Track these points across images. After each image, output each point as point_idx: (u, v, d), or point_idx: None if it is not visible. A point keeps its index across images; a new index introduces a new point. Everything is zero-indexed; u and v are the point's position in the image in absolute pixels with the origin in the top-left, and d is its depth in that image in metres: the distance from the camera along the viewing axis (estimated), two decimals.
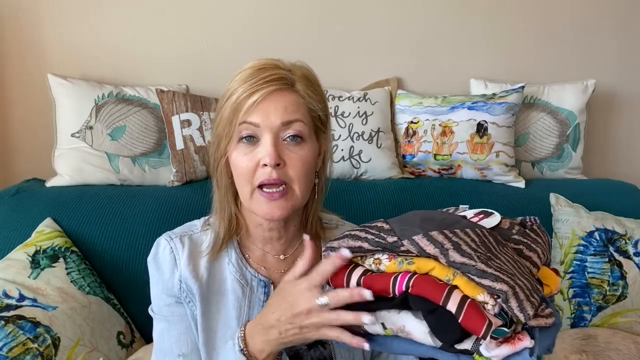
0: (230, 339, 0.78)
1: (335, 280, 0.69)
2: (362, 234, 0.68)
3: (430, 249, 0.62)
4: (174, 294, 0.84)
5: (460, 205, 0.76)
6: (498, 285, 0.58)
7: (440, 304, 0.60)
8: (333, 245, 0.69)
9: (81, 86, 1.69)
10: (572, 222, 1.59)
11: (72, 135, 1.67)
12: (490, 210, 0.72)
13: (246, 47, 1.91)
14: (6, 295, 1.18)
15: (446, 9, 1.99)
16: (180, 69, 1.89)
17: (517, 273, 0.61)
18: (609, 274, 1.52)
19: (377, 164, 1.79)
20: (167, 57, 1.89)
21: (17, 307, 1.16)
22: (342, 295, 0.65)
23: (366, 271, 0.67)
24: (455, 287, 0.61)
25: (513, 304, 0.57)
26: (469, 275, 0.60)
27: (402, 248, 0.64)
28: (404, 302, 0.63)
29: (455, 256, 0.61)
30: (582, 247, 1.56)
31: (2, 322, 1.09)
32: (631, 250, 1.54)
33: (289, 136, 0.77)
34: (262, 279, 0.85)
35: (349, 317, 0.65)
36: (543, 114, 1.93)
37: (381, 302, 0.65)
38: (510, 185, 1.81)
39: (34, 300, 1.20)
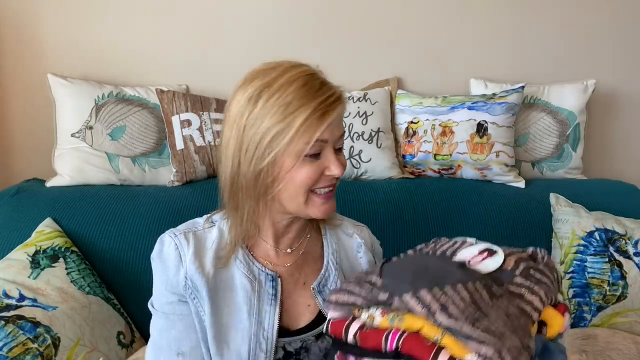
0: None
1: (335, 329, 0.73)
2: (357, 289, 0.71)
3: (418, 309, 0.64)
4: (178, 291, 0.84)
5: (468, 239, 0.78)
6: (483, 349, 0.59)
7: None
8: (330, 299, 0.74)
9: (81, 86, 1.69)
10: (572, 222, 1.59)
11: (72, 135, 1.67)
12: (494, 248, 0.73)
13: (246, 47, 1.91)
14: (6, 295, 1.18)
15: (446, 8, 1.99)
16: (180, 69, 1.89)
17: (508, 331, 0.62)
18: (609, 274, 1.52)
19: (377, 164, 1.80)
20: (167, 57, 1.89)
21: (17, 307, 1.16)
22: None
23: (363, 325, 0.70)
24: (443, 347, 0.63)
25: None
26: (456, 336, 0.62)
27: (393, 306, 0.67)
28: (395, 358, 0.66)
29: (441, 318, 0.62)
30: (582, 247, 1.56)
31: (2, 322, 1.09)
32: (631, 250, 1.54)
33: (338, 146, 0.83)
34: (269, 273, 0.87)
35: None
36: (543, 114, 1.93)
37: (375, 354, 0.68)
38: (510, 185, 1.81)
39: (34, 300, 1.20)
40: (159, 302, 0.86)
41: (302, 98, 0.77)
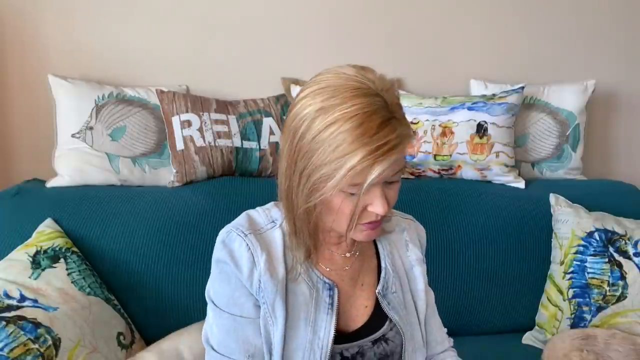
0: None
1: None
2: None
3: None
4: (252, 294, 0.82)
5: None
6: None
7: None
8: None
9: (81, 87, 1.70)
10: (572, 222, 1.59)
11: (73, 135, 1.67)
12: None
13: (246, 47, 1.91)
14: (7, 296, 1.18)
15: (446, 9, 2.00)
16: (180, 69, 1.89)
17: None
18: (609, 274, 1.52)
19: None
20: (167, 58, 1.89)
21: (18, 307, 1.16)
22: None
23: None
24: None
25: None
26: None
27: None
28: None
29: None
30: (582, 248, 1.56)
31: (3, 323, 1.09)
32: (631, 250, 1.54)
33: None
34: (327, 282, 0.86)
35: None
36: (543, 114, 1.93)
37: None
38: (510, 185, 1.81)
39: (35, 300, 1.20)
40: (225, 302, 0.83)
41: (354, 142, 0.69)
